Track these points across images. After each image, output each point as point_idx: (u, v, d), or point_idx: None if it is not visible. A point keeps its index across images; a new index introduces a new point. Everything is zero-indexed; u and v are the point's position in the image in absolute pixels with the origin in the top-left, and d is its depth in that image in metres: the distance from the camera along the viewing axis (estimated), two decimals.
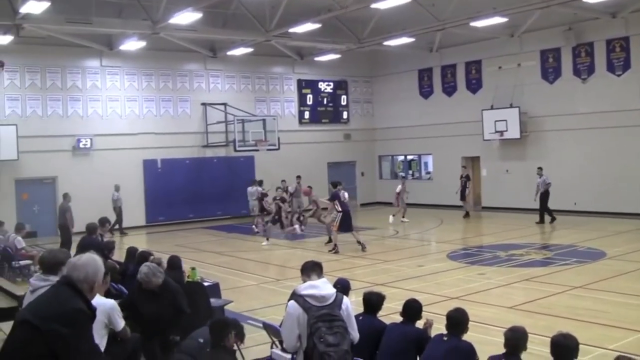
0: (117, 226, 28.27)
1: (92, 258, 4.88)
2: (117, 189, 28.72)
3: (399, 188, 29.68)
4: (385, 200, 34.89)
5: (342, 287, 8.23)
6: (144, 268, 9.05)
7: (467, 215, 30.19)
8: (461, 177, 30.93)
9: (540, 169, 26.70)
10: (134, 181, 30.09)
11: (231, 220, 31.13)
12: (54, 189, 28.38)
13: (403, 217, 29.17)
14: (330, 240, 22.51)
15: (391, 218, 28.71)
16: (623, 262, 17.59)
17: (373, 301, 8.15)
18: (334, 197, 21.92)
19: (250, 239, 26.27)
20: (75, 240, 16.93)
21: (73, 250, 14.01)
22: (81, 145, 29.16)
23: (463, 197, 30.53)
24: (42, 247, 21.55)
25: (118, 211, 28.53)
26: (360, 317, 7.80)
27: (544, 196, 26.21)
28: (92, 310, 4.66)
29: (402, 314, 7.90)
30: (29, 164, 27.80)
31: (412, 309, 7.88)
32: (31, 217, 27.47)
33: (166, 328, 8.35)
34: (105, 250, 12.77)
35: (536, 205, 26.52)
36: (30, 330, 4.40)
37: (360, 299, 8.24)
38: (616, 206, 27.29)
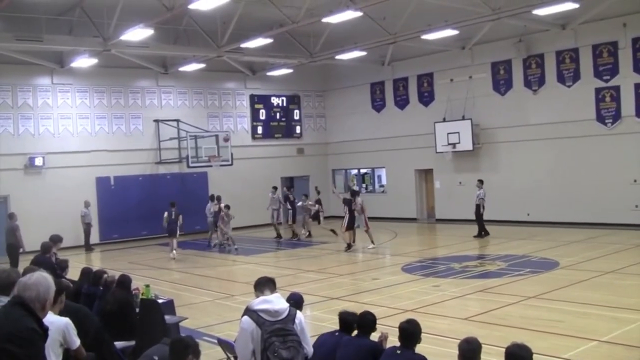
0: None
1: (43, 277, 4.83)
2: (86, 205, 28.73)
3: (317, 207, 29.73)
4: (339, 214, 34.94)
5: (295, 301, 8.18)
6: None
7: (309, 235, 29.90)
8: (316, 201, 30.19)
9: (479, 181, 26.71)
10: (87, 199, 29.54)
11: (185, 237, 30.85)
12: (6, 208, 27.67)
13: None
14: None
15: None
16: (576, 272, 17.76)
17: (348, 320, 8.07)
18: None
19: (205, 255, 26.14)
20: (25, 260, 16.60)
21: (21, 271, 13.72)
22: (33, 164, 28.71)
23: (316, 218, 29.97)
24: None
25: (85, 227, 28.35)
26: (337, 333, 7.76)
27: (478, 209, 26.32)
28: (44, 330, 4.60)
29: (357, 326, 7.85)
30: None
31: (366, 322, 7.81)
32: None
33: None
34: (58, 269, 12.56)
35: (491, 216, 26.64)
36: None
37: (315, 313, 8.19)
38: (569, 216, 27.62)
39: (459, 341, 6.78)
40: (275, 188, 30.43)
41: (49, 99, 29.74)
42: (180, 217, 25.92)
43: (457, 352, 6.67)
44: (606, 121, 26.97)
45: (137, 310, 10.59)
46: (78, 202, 28.71)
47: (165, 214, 25.74)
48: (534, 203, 28.95)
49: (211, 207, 28.21)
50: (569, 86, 28.06)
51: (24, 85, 29.11)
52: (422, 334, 7.31)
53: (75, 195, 29.01)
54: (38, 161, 28.84)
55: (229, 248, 26.36)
